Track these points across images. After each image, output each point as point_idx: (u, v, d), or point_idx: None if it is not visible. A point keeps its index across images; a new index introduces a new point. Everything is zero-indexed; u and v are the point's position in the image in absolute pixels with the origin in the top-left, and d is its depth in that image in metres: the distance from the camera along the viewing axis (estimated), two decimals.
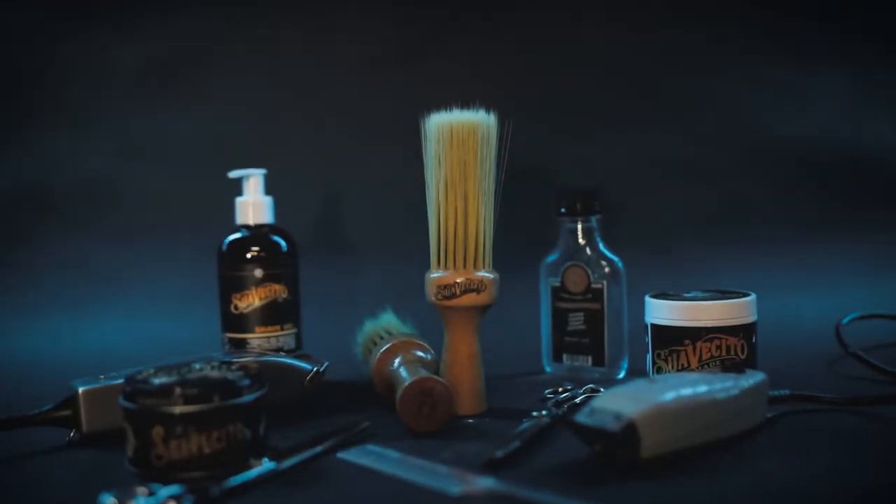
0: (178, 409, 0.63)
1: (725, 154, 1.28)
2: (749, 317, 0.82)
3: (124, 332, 1.18)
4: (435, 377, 0.75)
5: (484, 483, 0.61)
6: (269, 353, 0.86)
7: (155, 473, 0.63)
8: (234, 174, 0.98)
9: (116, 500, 0.57)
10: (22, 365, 1.10)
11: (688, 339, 0.81)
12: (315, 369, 0.83)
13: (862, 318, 1.03)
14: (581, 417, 0.65)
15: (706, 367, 0.80)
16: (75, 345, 1.15)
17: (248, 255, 0.95)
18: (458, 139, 0.79)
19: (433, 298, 0.80)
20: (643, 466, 0.64)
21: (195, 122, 1.26)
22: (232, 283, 0.95)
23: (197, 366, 0.68)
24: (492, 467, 0.65)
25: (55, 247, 1.24)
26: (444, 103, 0.81)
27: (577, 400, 0.82)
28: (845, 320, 1.00)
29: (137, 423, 0.64)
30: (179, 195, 1.26)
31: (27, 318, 1.20)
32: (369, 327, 0.93)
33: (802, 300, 1.20)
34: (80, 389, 0.74)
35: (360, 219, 1.21)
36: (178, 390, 0.63)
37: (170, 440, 0.63)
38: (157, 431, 0.63)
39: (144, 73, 1.27)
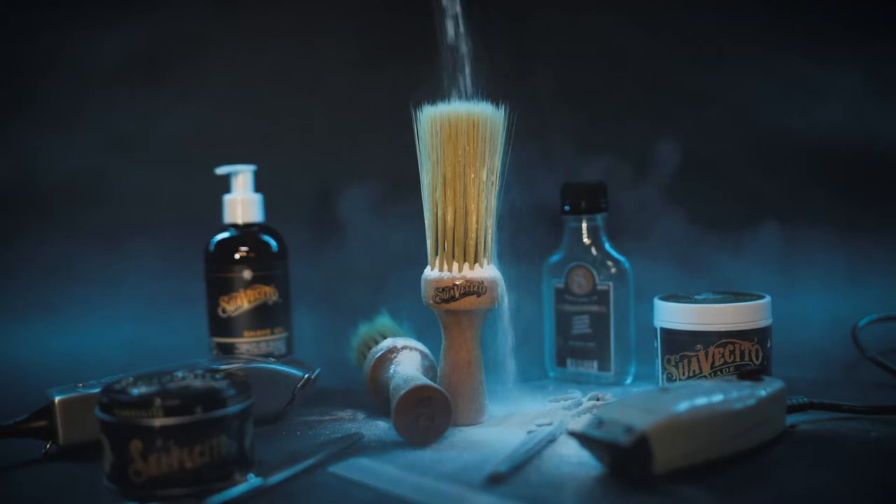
0: (157, 422, 0.60)
1: (735, 151, 1.28)
2: (764, 320, 0.80)
3: (106, 337, 1.17)
4: (433, 385, 0.73)
5: (485, 500, 0.60)
6: (258, 358, 0.85)
7: (133, 490, 0.61)
8: (221, 170, 0.97)
9: None
10: None
11: (699, 344, 0.79)
12: (307, 376, 0.81)
13: (879, 320, 1.02)
14: (590, 430, 0.64)
15: (719, 373, 0.78)
16: (54, 350, 1.14)
17: (237, 256, 0.94)
18: (456, 132, 0.77)
19: (430, 301, 0.78)
20: (656, 482, 0.61)
21: (182, 117, 1.26)
22: (219, 285, 0.93)
23: (179, 374, 0.66)
24: (494, 483, 0.63)
25: (34, 247, 1.23)
26: (440, 96, 0.80)
27: (583, 407, 0.81)
28: (862, 323, 0.99)
29: (114, 436, 0.62)
30: (165, 193, 1.25)
31: (4, 322, 1.18)
32: (364, 331, 0.91)
33: (816, 302, 1.19)
34: (57, 399, 0.73)
35: (353, 217, 1.19)
36: (157, 401, 0.61)
37: (149, 455, 0.61)
38: (136, 445, 0.61)
39: (129, 67, 1.25)
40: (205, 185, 1.02)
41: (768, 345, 0.80)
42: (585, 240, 0.93)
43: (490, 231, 0.79)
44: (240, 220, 0.95)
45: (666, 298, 0.82)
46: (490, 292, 0.77)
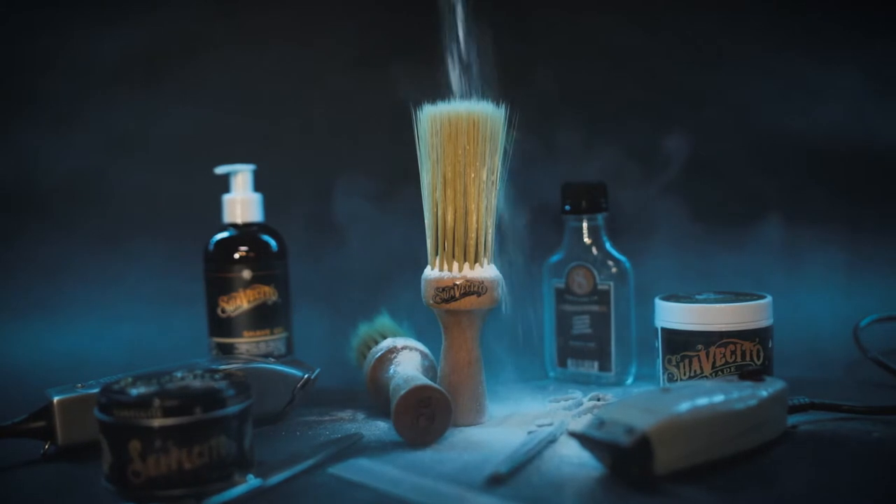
0: (156, 422, 0.60)
1: (736, 150, 1.27)
2: (765, 320, 0.80)
3: (106, 337, 1.17)
4: (433, 385, 0.73)
5: (486, 501, 0.59)
6: (257, 358, 0.84)
7: (132, 491, 0.61)
8: (220, 170, 0.97)
9: None
10: None
11: (700, 344, 0.78)
12: (306, 376, 0.81)
13: (880, 320, 1.01)
14: (591, 430, 0.63)
15: (720, 373, 0.78)
16: (53, 350, 1.13)
17: (236, 256, 0.94)
18: (456, 131, 0.76)
19: (430, 301, 0.77)
20: (657, 483, 0.61)
21: (182, 117, 1.25)
22: (219, 285, 0.93)
23: (178, 374, 0.66)
24: (494, 483, 0.63)
25: (34, 247, 1.22)
26: (441, 95, 0.79)
27: (583, 408, 0.81)
28: (863, 323, 0.98)
29: (113, 436, 0.61)
30: (165, 193, 1.25)
31: (4, 322, 1.17)
32: (364, 331, 0.91)
33: (817, 302, 1.18)
34: (56, 399, 0.72)
35: (353, 217, 1.19)
36: (156, 401, 0.60)
37: (148, 455, 0.60)
38: (135, 446, 0.60)
39: (129, 67, 1.25)
40: (205, 185, 1.02)
41: (769, 345, 0.80)
42: (586, 239, 0.93)
43: (490, 231, 0.78)
44: (239, 220, 0.95)
45: (667, 298, 0.82)
46: (490, 292, 0.77)
